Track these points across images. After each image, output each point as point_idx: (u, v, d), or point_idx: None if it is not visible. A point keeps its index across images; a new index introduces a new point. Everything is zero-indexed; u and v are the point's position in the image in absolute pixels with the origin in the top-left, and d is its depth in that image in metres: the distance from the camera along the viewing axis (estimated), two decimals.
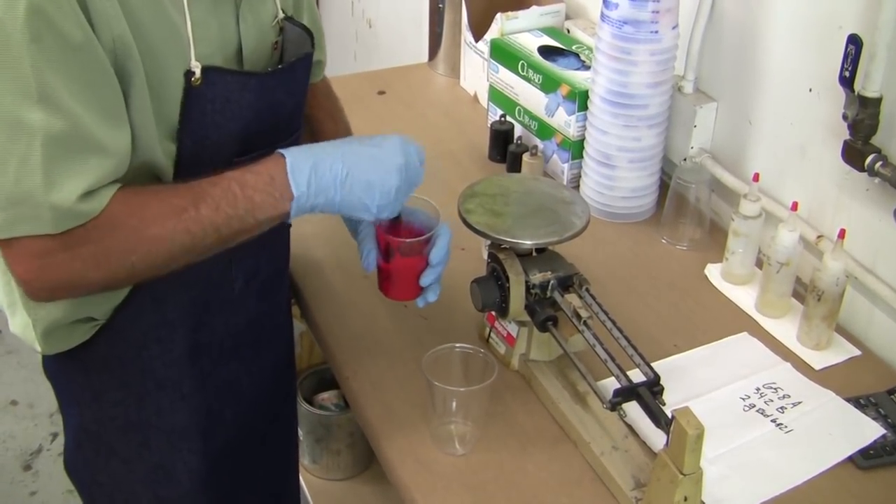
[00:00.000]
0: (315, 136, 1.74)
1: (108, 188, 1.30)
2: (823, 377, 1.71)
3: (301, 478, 2.85)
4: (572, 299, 1.56)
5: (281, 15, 1.54)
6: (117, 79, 1.30)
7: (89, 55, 1.24)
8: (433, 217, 1.56)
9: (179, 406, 1.64)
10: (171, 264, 1.36)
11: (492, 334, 1.71)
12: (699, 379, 1.68)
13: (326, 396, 2.77)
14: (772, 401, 1.64)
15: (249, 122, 1.46)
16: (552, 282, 1.57)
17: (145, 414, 1.63)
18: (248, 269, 1.64)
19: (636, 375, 1.45)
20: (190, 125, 1.39)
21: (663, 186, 2.13)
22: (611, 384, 1.45)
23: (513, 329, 1.66)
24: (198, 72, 1.36)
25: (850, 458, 1.55)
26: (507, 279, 1.56)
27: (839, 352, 1.77)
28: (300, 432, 2.81)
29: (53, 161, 1.24)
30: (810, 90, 1.82)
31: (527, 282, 1.56)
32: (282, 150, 1.39)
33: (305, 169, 1.37)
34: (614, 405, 1.42)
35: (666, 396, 1.43)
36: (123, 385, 1.60)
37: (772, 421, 1.60)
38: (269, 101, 1.49)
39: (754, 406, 1.63)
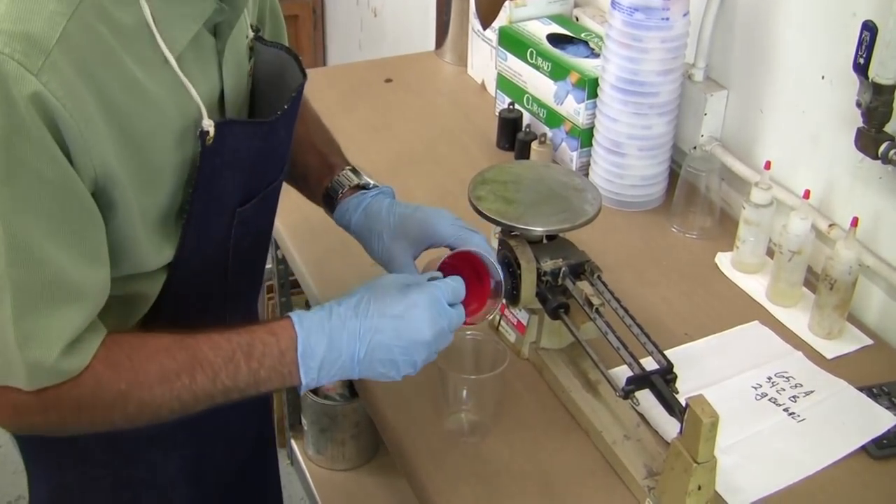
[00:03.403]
0: None
1: (90, 341, 1.19)
2: (835, 366, 1.69)
3: (305, 468, 2.86)
4: (584, 287, 1.55)
5: (251, 34, 1.43)
6: (99, 207, 1.18)
7: (66, 190, 1.12)
8: (482, 245, 1.43)
9: (172, 456, 1.56)
10: (157, 422, 1.26)
11: (502, 322, 1.69)
12: (710, 368, 1.66)
13: (331, 386, 2.76)
14: (784, 390, 1.63)
15: (253, 169, 1.38)
16: (564, 269, 1.55)
17: (135, 471, 1.55)
18: (239, 317, 1.57)
19: (648, 364, 1.44)
20: (202, 185, 1.28)
21: (673, 175, 2.12)
22: (622, 373, 1.44)
23: (523, 317, 1.65)
24: (211, 130, 1.25)
25: (864, 448, 1.54)
26: (519, 266, 1.54)
27: (851, 341, 1.75)
28: (305, 422, 2.81)
29: (26, 315, 1.13)
30: (823, 78, 1.80)
31: (538, 269, 1.55)
32: (295, 320, 1.26)
33: (318, 352, 1.25)
34: (627, 393, 1.41)
35: (677, 385, 1.42)
36: (111, 446, 1.49)
37: (784, 410, 1.59)
38: (272, 144, 1.40)
39: (766, 395, 1.62)
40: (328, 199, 1.57)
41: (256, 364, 1.24)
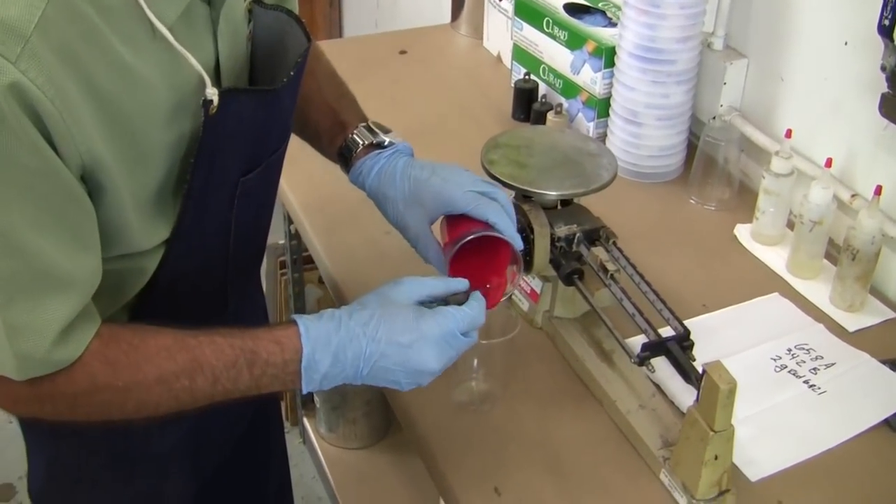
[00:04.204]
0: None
1: (84, 330, 1.15)
2: (857, 339, 1.65)
3: (317, 447, 2.83)
4: (599, 253, 1.51)
5: None
6: (87, 192, 1.13)
7: (50, 179, 1.07)
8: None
9: (168, 429, 1.50)
10: (155, 417, 1.24)
11: (515, 290, 1.66)
12: (728, 339, 1.63)
13: None
14: (804, 362, 1.59)
15: (258, 139, 1.33)
16: (578, 235, 1.52)
17: (131, 444, 1.50)
18: (241, 289, 1.54)
19: (665, 333, 1.40)
20: (203, 156, 1.24)
21: (691, 147, 2.08)
22: (638, 343, 1.40)
23: (536, 285, 1.62)
24: (216, 99, 1.19)
25: (886, 421, 1.50)
26: (532, 231, 1.50)
27: (873, 313, 1.71)
28: (316, 400, 2.79)
29: (13, 306, 1.09)
30: (846, 43, 1.76)
31: (552, 234, 1.51)
32: (301, 331, 1.22)
33: (322, 367, 1.22)
34: (642, 360, 1.37)
35: (694, 354, 1.38)
36: None
37: (804, 382, 1.55)
38: (276, 112, 1.36)
39: (786, 367, 1.58)
40: (343, 160, 1.52)
41: (259, 371, 1.21)
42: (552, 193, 1.52)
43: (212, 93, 1.19)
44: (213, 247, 1.37)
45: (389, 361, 1.23)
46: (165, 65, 1.17)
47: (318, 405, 2.81)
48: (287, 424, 3.07)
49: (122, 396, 1.18)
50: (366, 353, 1.23)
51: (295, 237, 2.57)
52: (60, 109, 1.04)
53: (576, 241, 1.52)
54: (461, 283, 1.29)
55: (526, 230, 1.51)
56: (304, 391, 1.24)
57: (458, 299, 1.28)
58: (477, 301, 1.28)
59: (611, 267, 1.48)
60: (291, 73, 1.32)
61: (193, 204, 1.26)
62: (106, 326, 1.19)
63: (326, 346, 1.22)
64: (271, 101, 1.32)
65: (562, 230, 1.52)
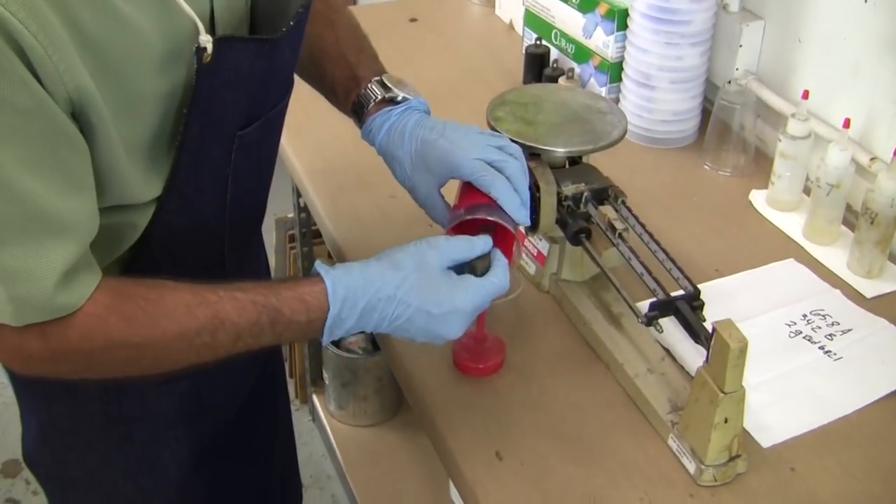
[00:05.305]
0: (312, 53, 1.52)
1: (87, 276, 1.13)
2: (875, 306, 1.61)
3: (327, 424, 2.79)
4: (607, 212, 1.46)
5: None
6: (80, 132, 1.10)
7: (40, 117, 1.04)
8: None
9: (165, 392, 1.48)
10: (171, 371, 1.23)
11: (521, 253, 1.61)
12: (741, 304, 1.58)
13: (354, 340, 2.70)
14: (820, 328, 1.54)
15: (256, 91, 1.29)
16: (586, 194, 1.46)
17: (127, 406, 1.47)
18: (241, 247, 1.50)
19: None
20: (198, 106, 1.20)
21: (706, 113, 2.02)
22: (647, 307, 1.34)
23: (543, 247, 1.57)
24: (209, 47, 1.15)
25: None
26: (538, 189, 1.45)
27: (892, 279, 1.66)
28: (326, 376, 2.75)
29: (10, 250, 1.06)
30: (865, 1, 1.70)
31: (559, 193, 1.46)
32: (329, 291, 1.20)
33: (347, 325, 1.22)
34: (650, 319, 1.32)
35: (705, 315, 1.33)
36: (101, 379, 1.37)
37: (819, 348, 1.51)
38: (277, 65, 1.32)
39: (801, 333, 1.53)
40: (356, 116, 1.49)
41: (282, 328, 1.20)
42: (560, 150, 1.47)
43: (205, 40, 1.15)
44: (209, 203, 1.33)
45: (413, 326, 1.23)
46: (157, 10, 1.14)
47: (327, 382, 2.77)
48: (296, 402, 3.04)
49: (139, 352, 1.16)
50: (392, 315, 1.22)
51: (304, 210, 2.53)
52: (45, 45, 1.01)
53: (583, 200, 1.47)
54: (486, 244, 1.26)
55: (532, 188, 1.46)
56: (324, 343, 1.24)
57: (479, 264, 1.26)
58: (502, 269, 1.26)
59: (619, 226, 1.43)
60: (291, 23, 1.29)
61: (188, 156, 1.23)
62: (119, 281, 1.17)
63: (353, 307, 1.21)
64: (270, 52, 1.28)
65: (569, 189, 1.47)
